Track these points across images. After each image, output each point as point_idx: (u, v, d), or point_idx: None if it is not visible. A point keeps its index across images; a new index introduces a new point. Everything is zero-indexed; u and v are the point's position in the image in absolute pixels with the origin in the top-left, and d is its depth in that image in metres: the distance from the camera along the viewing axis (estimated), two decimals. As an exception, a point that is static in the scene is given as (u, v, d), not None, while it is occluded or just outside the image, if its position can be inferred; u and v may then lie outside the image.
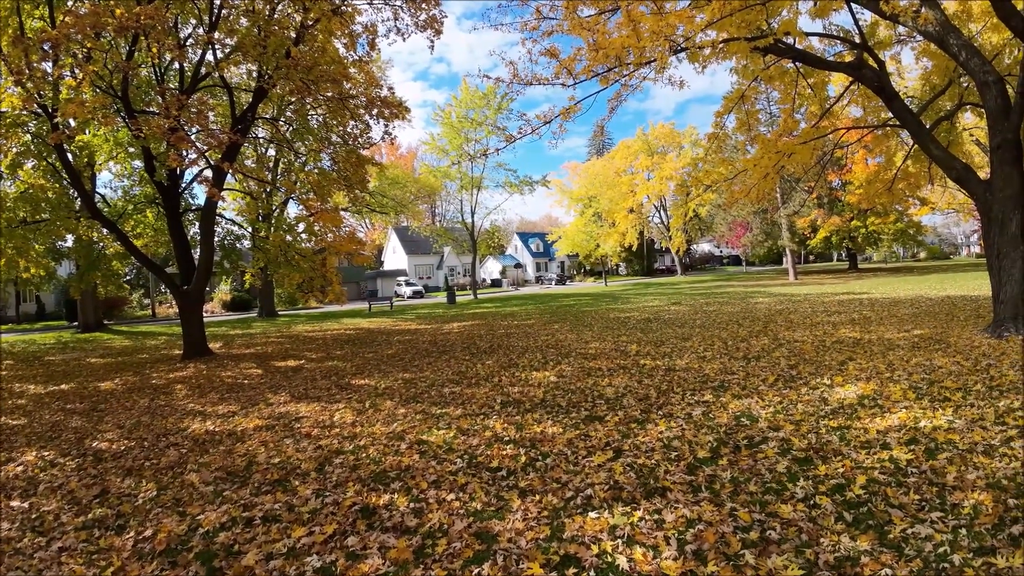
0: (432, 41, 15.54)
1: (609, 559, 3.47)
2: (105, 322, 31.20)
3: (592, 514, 4.07)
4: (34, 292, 39.40)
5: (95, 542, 4.29)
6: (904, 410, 6.09)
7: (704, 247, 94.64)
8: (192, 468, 5.90)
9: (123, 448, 6.91)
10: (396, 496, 4.67)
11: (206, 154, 15.60)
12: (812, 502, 4.02)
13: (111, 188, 23.26)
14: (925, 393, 6.74)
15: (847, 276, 43.19)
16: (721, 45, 9.85)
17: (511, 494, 4.55)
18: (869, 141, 19.92)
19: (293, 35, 13.16)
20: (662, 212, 66.12)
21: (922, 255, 74.42)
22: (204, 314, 28.40)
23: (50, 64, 11.53)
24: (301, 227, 19.46)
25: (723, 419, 6.22)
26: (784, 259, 50.67)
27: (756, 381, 8.00)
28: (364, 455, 5.85)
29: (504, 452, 5.58)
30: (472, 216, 40.04)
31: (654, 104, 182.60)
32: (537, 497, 4.44)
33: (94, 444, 7.19)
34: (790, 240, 44.05)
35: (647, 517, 3.96)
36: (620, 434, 5.94)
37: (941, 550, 3.28)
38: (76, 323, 29.49)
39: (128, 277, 42.33)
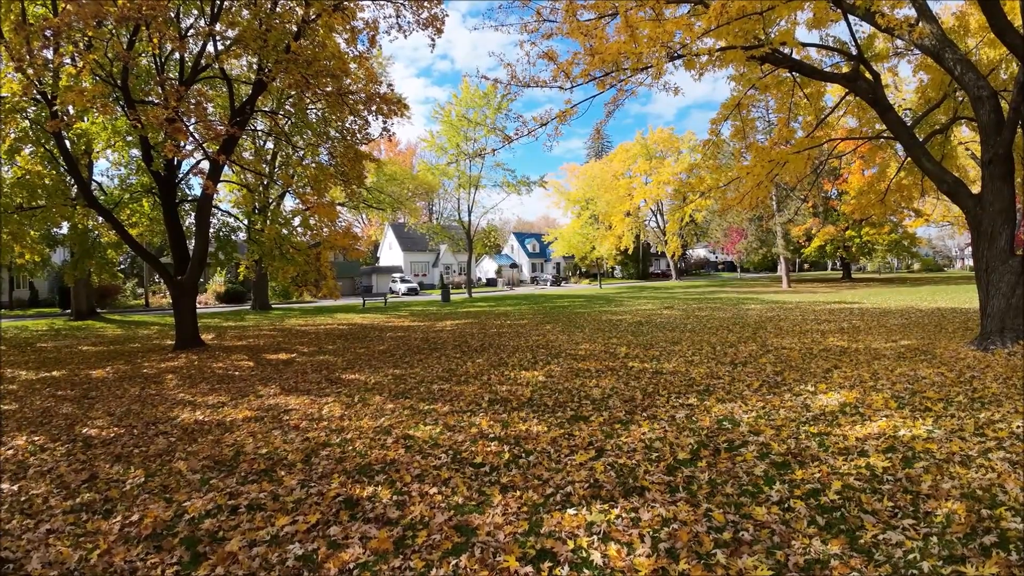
0: (433, 39, 15.56)
1: (584, 554, 3.55)
2: (98, 310, 31.13)
3: (570, 511, 4.15)
4: (27, 278, 39.31)
5: (82, 525, 4.35)
6: (884, 419, 6.17)
7: (700, 252, 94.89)
8: (180, 456, 5.95)
9: (112, 435, 6.95)
10: (380, 488, 4.74)
11: (204, 146, 15.63)
12: (786, 505, 4.10)
13: (108, 176, 23.28)
14: (907, 403, 6.82)
15: (840, 285, 43.41)
16: (718, 53, 9.95)
17: (492, 489, 4.63)
18: (865, 152, 20.06)
19: (294, 29, 13.19)
20: (659, 216, 66.28)
21: (916, 266, 74.63)
22: (197, 305, 28.20)
23: (51, 51, 11.54)
24: (297, 220, 19.48)
25: (705, 422, 6.30)
26: (778, 267, 50.80)
27: (741, 386, 8.09)
28: (350, 448, 5.92)
29: (488, 448, 5.66)
30: (469, 215, 40.03)
31: (655, 108, 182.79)
32: (518, 493, 4.52)
33: (84, 431, 7.23)
34: (784, 248, 44.22)
35: (624, 515, 4.04)
36: (603, 434, 6.02)
37: (911, 556, 3.35)
38: (69, 310, 29.42)
39: (123, 266, 42.24)
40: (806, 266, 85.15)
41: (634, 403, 7.37)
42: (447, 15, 15.27)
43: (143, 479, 5.32)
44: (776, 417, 6.41)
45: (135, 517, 4.43)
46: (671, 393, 7.85)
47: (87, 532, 4.23)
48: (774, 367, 9.45)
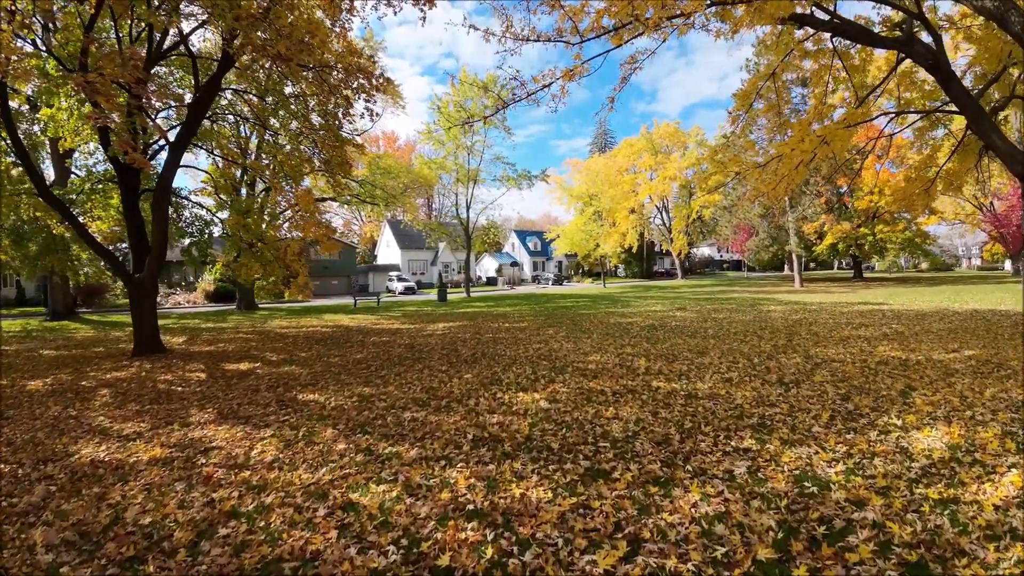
0: (424, 11, 13.79)
1: None
2: (81, 310, 29.50)
3: None
4: (14, 276, 37.87)
5: None
6: (1013, 470, 4.45)
7: (704, 251, 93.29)
8: (46, 519, 4.37)
9: (-9, 477, 5.35)
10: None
11: (166, 133, 13.92)
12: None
13: (75, 166, 21.64)
14: (1028, 443, 5.08)
15: (853, 285, 41.71)
16: (758, 3, 8.16)
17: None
18: (887, 146, 18.46)
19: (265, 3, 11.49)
20: (664, 213, 64.51)
21: (924, 265, 72.87)
22: (186, 304, 26.29)
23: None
24: (261, 207, 17.66)
25: (779, 483, 4.42)
26: (786, 266, 48.82)
27: (806, 418, 6.18)
28: (261, 526, 4.08)
29: (462, 536, 3.76)
30: (467, 211, 38.39)
31: (660, 107, 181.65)
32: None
33: (-35, 468, 5.63)
34: (797, 245, 42.42)
35: None
36: (635, 506, 4.13)
37: None
38: (50, 310, 27.87)
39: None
40: (813, 265, 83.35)
41: (670, 447, 5.41)
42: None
43: (-15, 554, 3.72)
44: (873, 472, 4.57)
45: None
46: (717, 430, 5.87)
47: None
48: (836, 388, 7.57)
